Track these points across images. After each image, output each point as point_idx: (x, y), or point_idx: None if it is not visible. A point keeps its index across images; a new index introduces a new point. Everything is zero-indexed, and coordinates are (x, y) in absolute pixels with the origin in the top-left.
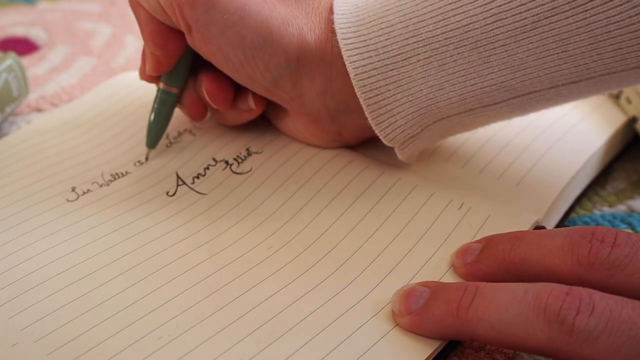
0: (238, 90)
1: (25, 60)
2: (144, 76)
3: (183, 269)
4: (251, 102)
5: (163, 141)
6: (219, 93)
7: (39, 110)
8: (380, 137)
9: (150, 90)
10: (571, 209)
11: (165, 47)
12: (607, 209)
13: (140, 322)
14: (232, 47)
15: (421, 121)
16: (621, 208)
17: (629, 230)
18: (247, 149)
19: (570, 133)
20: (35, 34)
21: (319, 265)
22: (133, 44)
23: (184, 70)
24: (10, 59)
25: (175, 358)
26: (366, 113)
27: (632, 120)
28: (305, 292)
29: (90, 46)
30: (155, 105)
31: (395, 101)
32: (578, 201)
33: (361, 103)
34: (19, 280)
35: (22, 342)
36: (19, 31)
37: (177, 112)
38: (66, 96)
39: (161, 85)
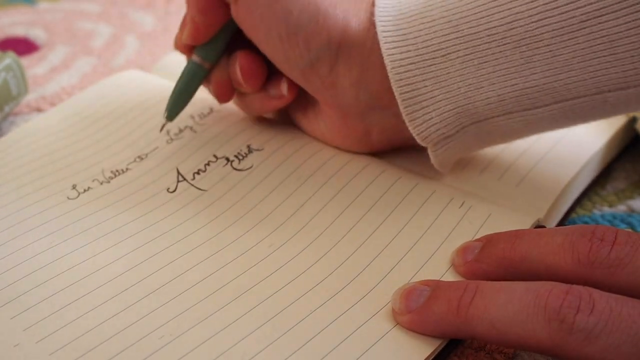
0: (271, 76)
1: (25, 60)
2: (179, 45)
3: (184, 268)
4: (284, 88)
5: (164, 137)
6: (253, 70)
7: (39, 110)
8: (414, 135)
9: (152, 87)
10: (571, 209)
11: (208, 14)
12: (607, 209)
13: (141, 322)
14: (277, 21)
15: (457, 121)
16: (621, 208)
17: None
18: (248, 146)
19: (570, 133)
20: (35, 34)
21: (319, 263)
22: (133, 44)
23: (220, 45)
24: (9, 58)
25: (177, 357)
26: (401, 108)
27: (632, 120)
28: (305, 291)
29: (90, 46)
30: (184, 77)
31: (431, 97)
32: (578, 201)
33: (396, 97)
34: (20, 280)
35: (24, 343)
36: (19, 31)
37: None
38: (66, 96)
39: (194, 57)
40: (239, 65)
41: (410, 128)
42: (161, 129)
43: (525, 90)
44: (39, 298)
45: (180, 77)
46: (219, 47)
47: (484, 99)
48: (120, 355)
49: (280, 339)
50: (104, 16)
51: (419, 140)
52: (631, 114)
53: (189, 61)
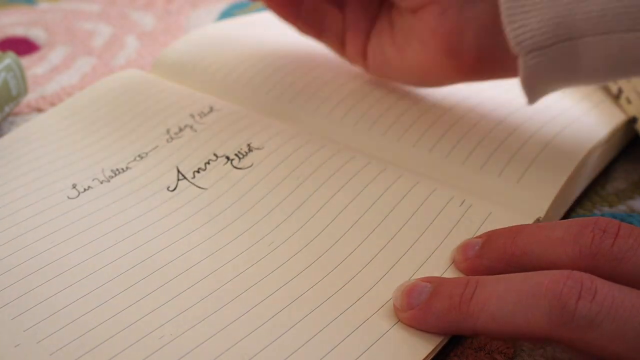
0: None
1: (25, 60)
2: None
3: (184, 268)
4: None
5: (164, 136)
6: None
7: (39, 110)
8: (509, 37)
9: (152, 86)
10: (571, 209)
11: None
12: (607, 209)
13: (141, 322)
14: None
15: (553, 31)
16: (621, 208)
17: None
18: (248, 145)
19: (569, 131)
20: (35, 34)
21: (320, 262)
22: (133, 44)
23: None
24: (9, 58)
25: (177, 357)
26: (501, 7)
27: (632, 121)
28: (306, 290)
29: (90, 46)
30: None
31: (533, 2)
32: (578, 201)
33: None
34: (20, 280)
35: (25, 343)
36: (19, 31)
37: (179, 108)
38: (66, 96)
39: None
40: None
41: (506, 29)
42: None
43: (630, 8)
44: (40, 298)
45: None
46: None
47: (585, 12)
48: (121, 355)
49: (282, 338)
50: (104, 16)
51: (512, 44)
52: (631, 114)
53: None
